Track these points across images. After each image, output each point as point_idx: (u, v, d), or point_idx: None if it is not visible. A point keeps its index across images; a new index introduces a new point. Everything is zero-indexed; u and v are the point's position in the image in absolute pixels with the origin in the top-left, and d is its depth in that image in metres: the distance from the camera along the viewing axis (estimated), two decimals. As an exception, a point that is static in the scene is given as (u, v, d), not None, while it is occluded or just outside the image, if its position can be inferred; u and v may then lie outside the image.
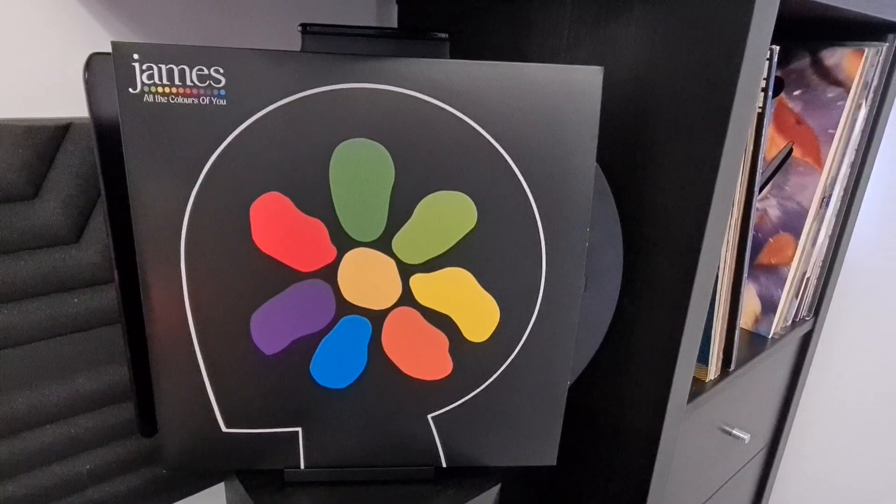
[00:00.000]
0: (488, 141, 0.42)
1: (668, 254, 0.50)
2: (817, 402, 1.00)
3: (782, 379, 0.85)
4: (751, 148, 0.52)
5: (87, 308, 0.55)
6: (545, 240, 0.44)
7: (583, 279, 0.46)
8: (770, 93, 0.51)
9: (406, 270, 0.44)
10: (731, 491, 0.85)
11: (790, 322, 0.78)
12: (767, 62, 0.49)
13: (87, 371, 0.57)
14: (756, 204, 0.56)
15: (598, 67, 0.41)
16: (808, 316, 0.81)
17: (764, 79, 0.50)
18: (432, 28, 0.64)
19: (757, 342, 0.73)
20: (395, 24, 0.72)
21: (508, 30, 0.58)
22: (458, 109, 0.41)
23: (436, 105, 0.41)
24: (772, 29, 0.44)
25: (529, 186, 0.43)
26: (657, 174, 0.49)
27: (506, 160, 0.42)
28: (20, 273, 0.51)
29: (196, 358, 0.45)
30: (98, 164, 0.43)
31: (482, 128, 0.42)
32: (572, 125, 0.42)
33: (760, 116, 0.52)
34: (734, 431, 0.72)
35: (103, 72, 0.42)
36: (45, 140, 0.50)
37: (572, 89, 0.42)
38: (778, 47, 0.50)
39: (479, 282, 0.45)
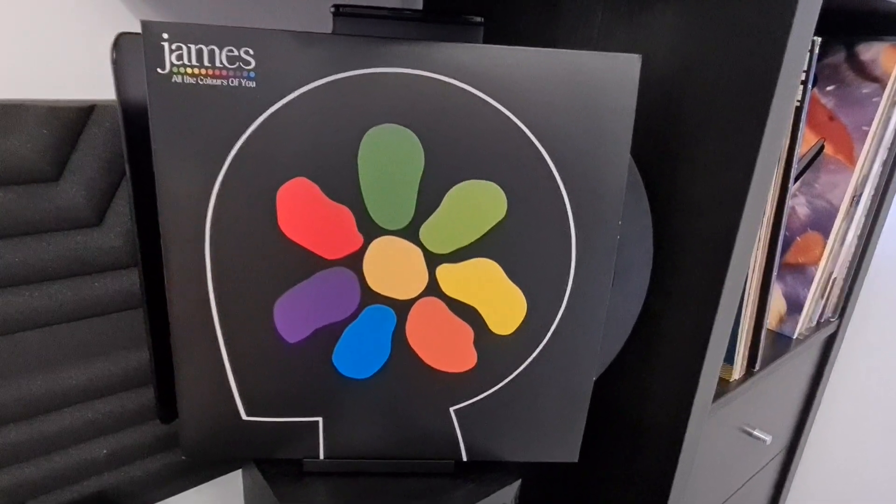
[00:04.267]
0: (521, 129, 0.41)
1: (699, 250, 0.49)
2: (838, 404, 0.99)
3: (804, 380, 0.83)
4: (787, 144, 0.51)
5: (108, 292, 0.55)
6: (576, 233, 0.43)
7: (612, 274, 0.45)
8: (809, 86, 0.50)
9: (433, 260, 0.43)
10: (749, 492, 0.83)
11: (815, 323, 0.77)
12: (808, 54, 0.48)
13: (106, 355, 0.57)
14: (789, 200, 0.54)
15: (637, 55, 0.40)
16: (832, 317, 0.80)
17: (804, 71, 0.49)
18: (459, 12, 0.63)
19: (781, 343, 0.71)
20: (420, 7, 0.71)
21: (538, 16, 0.57)
22: (490, 96, 0.40)
23: (468, 91, 0.40)
24: (815, 19, 0.42)
25: (561, 177, 0.42)
26: (690, 168, 0.48)
27: (538, 149, 0.41)
28: (42, 255, 0.51)
29: (218, 344, 0.45)
30: (124, 145, 0.43)
31: (515, 116, 0.41)
32: (607, 115, 0.41)
33: (798, 111, 0.50)
34: (755, 432, 0.71)
35: (131, 52, 0.42)
36: (68, 121, 0.49)
37: (609, 78, 0.40)
38: (820, 39, 0.49)
39: (507, 274, 0.44)
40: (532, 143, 0.41)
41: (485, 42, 0.60)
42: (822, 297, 0.75)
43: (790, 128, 0.50)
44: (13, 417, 0.53)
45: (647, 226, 0.48)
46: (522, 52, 0.40)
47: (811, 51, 0.48)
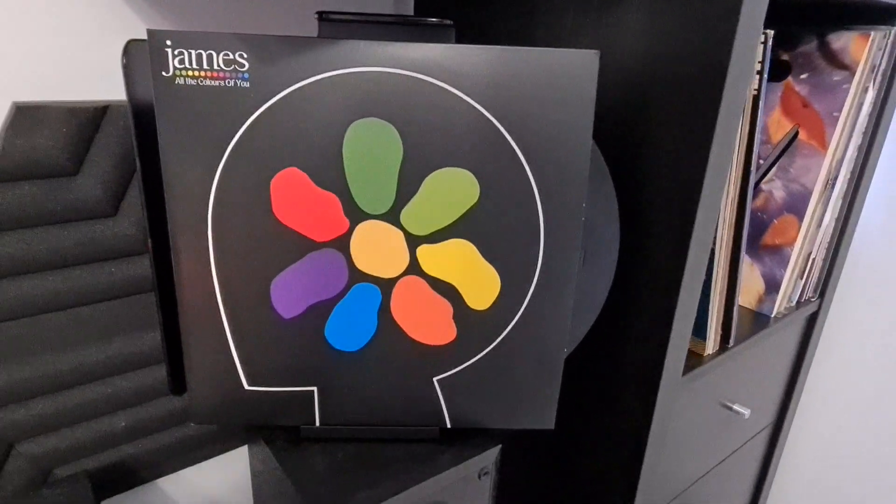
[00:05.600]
0: (490, 121, 0.45)
1: (663, 230, 0.52)
2: (826, 382, 1.02)
3: (787, 358, 0.86)
4: (747, 129, 0.54)
5: (123, 277, 0.60)
6: (543, 214, 0.47)
7: (579, 253, 0.49)
8: (765, 76, 0.53)
9: (413, 241, 0.48)
10: (734, 466, 0.87)
11: (794, 303, 0.80)
12: (762, 46, 0.51)
13: (122, 335, 0.62)
14: (752, 183, 0.58)
15: (595, 51, 0.44)
16: (813, 297, 0.83)
17: (759, 62, 0.52)
18: (446, 16, 0.67)
19: (759, 321, 0.75)
20: (411, 12, 0.75)
21: (516, 17, 0.60)
22: (461, 91, 0.44)
23: (441, 87, 0.44)
24: (763, 15, 0.46)
25: (528, 164, 0.46)
26: (654, 154, 0.52)
27: (506, 139, 0.45)
28: (63, 243, 0.56)
29: (221, 321, 0.50)
30: (134, 141, 0.47)
31: (484, 108, 0.45)
32: (569, 106, 0.45)
33: (756, 99, 0.53)
34: (735, 407, 0.74)
35: (139, 57, 0.46)
36: (85, 120, 0.54)
37: (570, 72, 0.44)
38: (772, 32, 0.52)
39: (482, 253, 0.48)
40: (501, 133, 0.45)
41: (466, 42, 0.64)
42: (801, 277, 0.78)
43: (749, 114, 0.54)
44: (40, 392, 0.58)
45: (613, 209, 0.52)
46: (491, 51, 0.44)
47: (764, 43, 0.51)
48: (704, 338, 0.64)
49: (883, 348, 0.94)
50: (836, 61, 0.68)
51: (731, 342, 0.67)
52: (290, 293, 0.49)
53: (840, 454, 1.03)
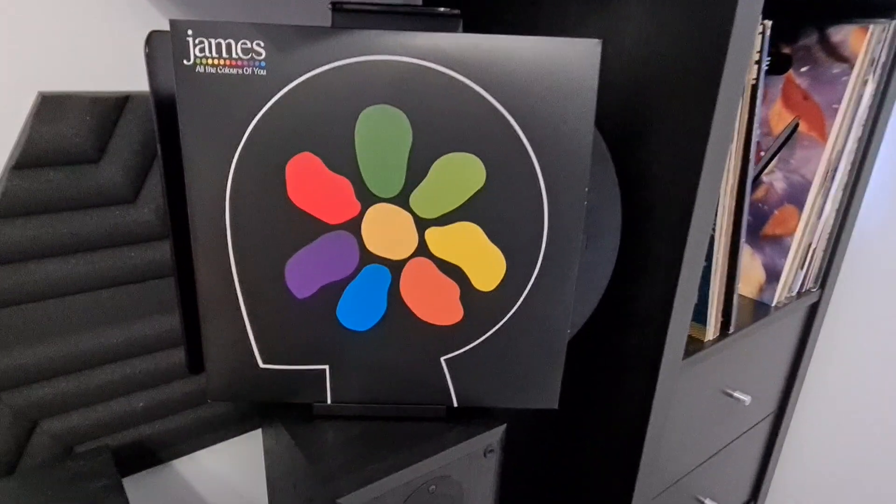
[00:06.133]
0: (495, 107, 0.47)
1: (663, 215, 0.54)
2: (829, 372, 1.03)
3: (788, 347, 0.88)
4: (746, 118, 0.56)
5: (142, 261, 0.62)
6: (547, 198, 0.49)
7: (581, 236, 0.51)
8: (763, 66, 0.55)
9: (422, 224, 0.50)
10: (737, 453, 0.88)
11: (795, 292, 0.81)
12: (760, 37, 0.53)
13: (141, 318, 0.65)
14: (751, 171, 0.59)
15: (597, 40, 0.46)
16: (814, 287, 0.84)
17: (758, 52, 0.54)
18: (453, 5, 0.69)
19: (760, 310, 0.76)
20: (419, 2, 0.77)
21: (521, 5, 0.62)
22: (468, 78, 0.46)
23: (449, 75, 0.46)
24: (761, 6, 0.47)
25: (533, 149, 0.48)
26: (655, 141, 0.53)
27: (511, 125, 0.47)
28: (86, 228, 0.58)
29: (238, 301, 0.52)
30: (155, 127, 0.49)
31: (490, 95, 0.46)
32: (572, 93, 0.47)
33: (755, 88, 0.55)
34: (735, 394, 0.75)
35: (161, 47, 0.48)
36: (108, 110, 0.56)
37: (573, 60, 0.46)
38: (770, 23, 0.54)
39: (488, 235, 0.50)
40: (506, 119, 0.47)
41: (471, 30, 0.66)
42: (802, 267, 0.79)
43: (748, 103, 0.55)
44: (63, 371, 0.61)
45: (615, 194, 0.54)
46: (497, 40, 0.46)
47: (762, 34, 0.53)
48: (705, 324, 0.66)
49: (885, 338, 0.95)
50: (835, 54, 0.69)
51: (732, 329, 0.68)
52: (303, 274, 0.51)
53: (842, 444, 1.04)
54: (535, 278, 0.52)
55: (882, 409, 0.98)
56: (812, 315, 0.87)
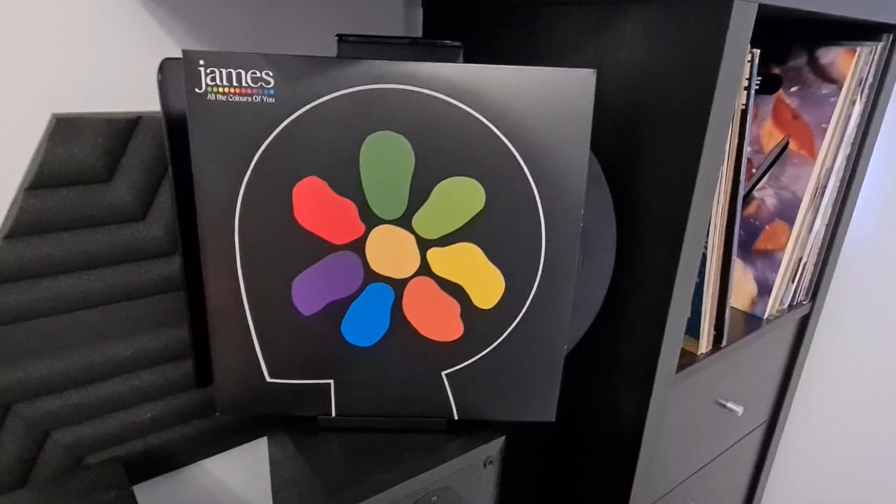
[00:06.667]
0: (495, 133, 0.49)
1: (657, 235, 0.56)
2: (819, 382, 1.05)
3: (780, 359, 0.90)
4: (736, 140, 0.58)
5: (151, 277, 0.64)
6: (544, 220, 0.51)
7: (578, 256, 0.53)
8: (753, 91, 0.57)
9: (424, 245, 0.52)
10: (730, 461, 0.90)
11: (787, 305, 0.83)
12: (748, 64, 0.55)
13: (150, 332, 0.66)
14: (741, 192, 0.61)
15: (592, 70, 0.48)
16: (805, 300, 0.86)
17: (747, 79, 0.56)
18: (453, 32, 0.71)
19: (752, 322, 0.78)
20: (420, 29, 0.79)
21: (520, 34, 0.64)
22: (468, 106, 0.48)
23: (450, 102, 0.48)
24: (749, 36, 0.50)
25: (531, 173, 0.50)
26: (648, 163, 0.55)
27: (510, 150, 0.49)
28: (97, 245, 0.60)
29: (246, 317, 0.54)
30: (167, 151, 0.51)
31: (490, 122, 0.48)
32: (568, 120, 0.49)
33: (744, 112, 0.57)
34: (728, 404, 0.77)
35: (173, 73, 0.50)
36: (119, 130, 0.58)
37: (569, 89, 0.48)
38: (759, 51, 0.56)
39: (487, 256, 0.52)
40: (505, 145, 0.49)
41: (473, 58, 0.68)
42: (793, 280, 0.81)
43: (738, 126, 0.57)
44: (74, 383, 0.63)
45: (610, 215, 0.56)
46: (496, 70, 0.48)
47: (751, 61, 0.55)
48: (698, 337, 0.68)
49: (874, 349, 0.97)
50: (824, 75, 0.71)
51: (724, 342, 0.70)
52: (309, 292, 0.53)
53: (833, 453, 1.06)
54: (534, 296, 0.54)
55: (872, 419, 1.00)
56: (803, 327, 0.89)
